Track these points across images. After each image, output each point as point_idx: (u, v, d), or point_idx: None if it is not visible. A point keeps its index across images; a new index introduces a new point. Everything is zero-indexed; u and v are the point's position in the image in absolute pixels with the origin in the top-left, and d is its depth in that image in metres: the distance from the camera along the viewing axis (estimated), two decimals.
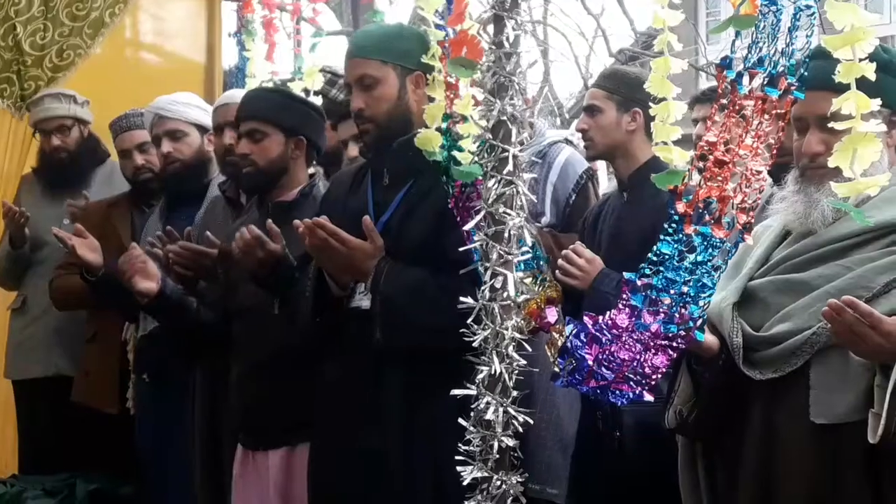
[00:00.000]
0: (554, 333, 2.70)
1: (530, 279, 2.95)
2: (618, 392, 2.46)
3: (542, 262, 3.02)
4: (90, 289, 4.16)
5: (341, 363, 3.18)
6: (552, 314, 2.87)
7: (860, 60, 2.23)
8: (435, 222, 2.99)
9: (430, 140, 2.97)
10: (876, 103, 2.24)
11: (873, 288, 2.40)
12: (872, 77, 2.23)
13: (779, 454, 2.51)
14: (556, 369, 2.49)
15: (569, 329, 2.46)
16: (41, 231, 4.91)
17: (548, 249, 3.19)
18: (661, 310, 2.36)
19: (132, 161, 4.60)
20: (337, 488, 3.15)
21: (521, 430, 2.50)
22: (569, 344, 2.44)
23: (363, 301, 3.12)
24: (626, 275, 2.38)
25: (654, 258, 2.35)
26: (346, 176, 3.42)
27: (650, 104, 3.79)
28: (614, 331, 2.39)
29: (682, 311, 2.36)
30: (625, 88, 3.93)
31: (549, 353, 2.66)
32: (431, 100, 3.01)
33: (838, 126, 2.28)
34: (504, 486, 2.51)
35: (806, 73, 2.31)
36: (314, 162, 3.83)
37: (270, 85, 5.28)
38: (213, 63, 6.00)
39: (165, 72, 6.02)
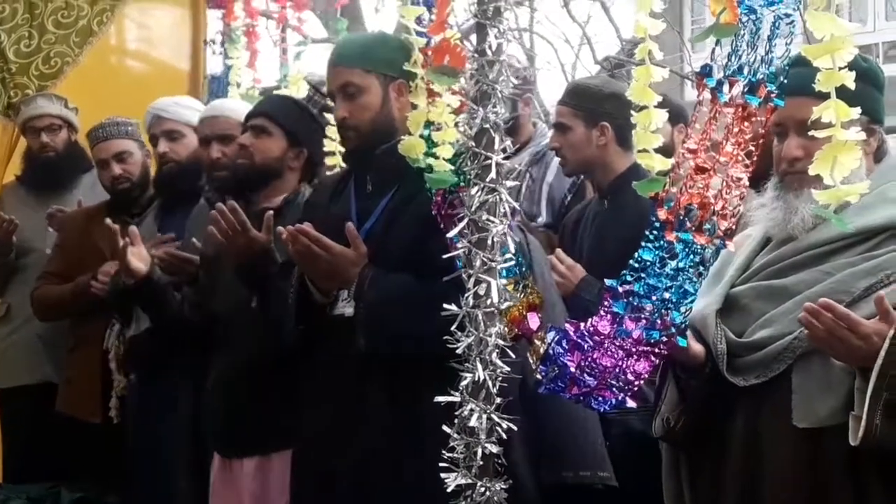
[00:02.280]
0: (536, 340, 2.70)
1: (512, 286, 2.96)
2: (601, 398, 2.46)
3: (524, 269, 3.02)
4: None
5: (324, 370, 3.17)
6: (534, 320, 2.86)
7: (840, 69, 2.25)
8: (418, 229, 2.98)
9: (413, 147, 2.97)
10: (856, 112, 2.25)
11: (854, 293, 2.42)
12: (852, 86, 2.25)
13: (763, 459, 2.52)
14: (539, 376, 2.49)
15: (550, 336, 2.47)
16: (26, 238, 4.89)
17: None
18: (643, 316, 2.36)
19: (110, 171, 4.56)
20: (321, 497, 3.13)
21: (504, 436, 2.49)
22: (551, 351, 2.44)
23: (346, 308, 3.11)
24: (608, 282, 2.39)
25: (636, 265, 2.36)
26: (328, 183, 3.42)
27: (616, 115, 3.81)
28: (596, 337, 2.39)
29: (664, 317, 2.36)
30: (589, 103, 3.88)
31: (530, 360, 2.66)
32: (415, 107, 3.01)
33: (818, 134, 2.30)
34: (488, 493, 2.51)
35: (786, 81, 2.33)
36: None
37: (255, 93, 5.29)
38: (198, 71, 5.99)
39: (150, 79, 5.99)
